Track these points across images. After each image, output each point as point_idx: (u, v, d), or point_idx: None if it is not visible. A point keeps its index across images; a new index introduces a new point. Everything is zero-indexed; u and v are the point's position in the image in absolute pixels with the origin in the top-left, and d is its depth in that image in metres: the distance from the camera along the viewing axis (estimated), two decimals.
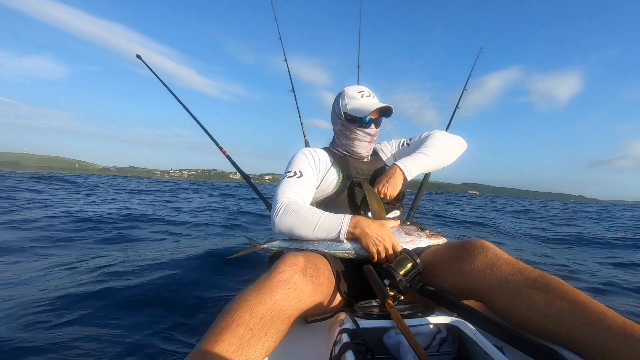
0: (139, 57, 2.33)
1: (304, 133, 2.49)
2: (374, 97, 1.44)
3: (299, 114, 2.61)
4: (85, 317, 1.76)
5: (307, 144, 2.45)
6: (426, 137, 1.49)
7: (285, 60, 2.74)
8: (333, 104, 1.50)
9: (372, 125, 1.40)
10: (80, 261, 2.70)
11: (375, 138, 1.45)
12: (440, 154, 1.42)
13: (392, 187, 1.34)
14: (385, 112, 1.39)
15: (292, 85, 2.66)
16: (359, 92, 1.42)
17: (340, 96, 1.45)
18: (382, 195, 1.34)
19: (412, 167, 1.37)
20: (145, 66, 2.32)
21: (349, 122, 1.41)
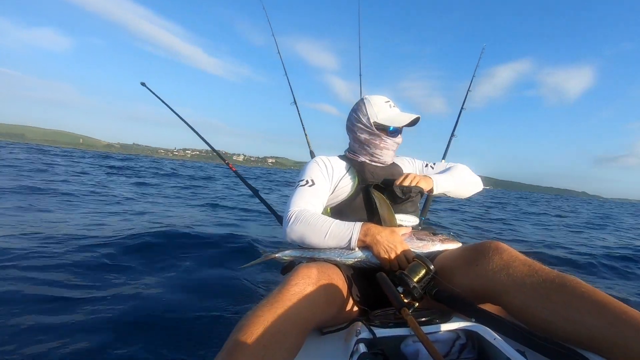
0: (143, 84, 2.40)
1: (308, 144, 2.50)
2: (396, 106, 1.46)
3: (303, 126, 2.61)
4: None
5: (312, 155, 2.45)
6: (453, 167, 1.54)
7: (286, 74, 2.78)
8: (352, 115, 1.48)
9: (399, 135, 1.44)
10: None
11: (399, 145, 1.48)
12: (463, 185, 1.48)
13: (424, 181, 1.31)
14: (413, 122, 1.42)
15: (294, 98, 2.68)
16: (386, 102, 1.44)
17: (364, 105, 1.44)
18: (409, 182, 1.30)
19: (441, 183, 1.38)
20: (152, 93, 2.39)
21: (379, 130, 1.41)
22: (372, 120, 1.41)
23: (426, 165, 1.61)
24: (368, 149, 1.44)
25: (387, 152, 1.44)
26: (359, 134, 1.45)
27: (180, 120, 2.36)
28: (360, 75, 2.69)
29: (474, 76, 2.63)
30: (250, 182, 2.28)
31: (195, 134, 2.37)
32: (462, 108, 2.56)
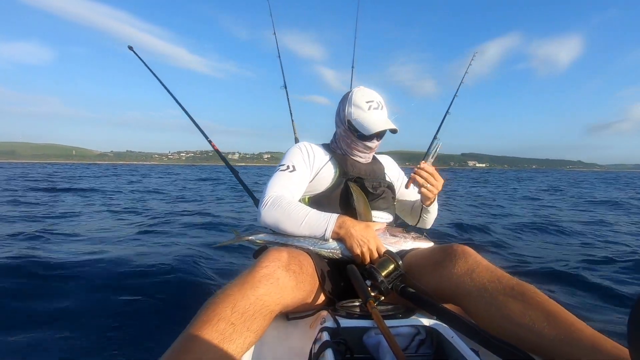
0: (131, 48, 2.28)
1: (294, 131, 2.47)
2: (382, 108, 1.38)
3: (290, 112, 2.57)
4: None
5: (297, 141, 2.42)
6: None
7: (279, 56, 2.71)
8: (339, 104, 1.44)
9: (375, 140, 1.37)
10: None
11: (375, 149, 1.43)
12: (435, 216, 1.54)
13: (439, 183, 1.33)
14: (391, 131, 1.37)
15: (285, 82, 2.63)
16: (367, 103, 1.35)
17: (346, 100, 1.39)
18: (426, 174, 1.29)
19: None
20: (138, 58, 2.26)
21: (350, 131, 1.37)
22: (346, 118, 1.37)
23: (402, 182, 1.58)
24: (343, 144, 1.42)
25: (359, 154, 1.40)
26: (337, 127, 1.45)
27: (168, 92, 2.27)
28: (352, 67, 2.66)
29: (461, 82, 2.65)
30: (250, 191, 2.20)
31: (182, 110, 2.27)
32: (447, 112, 2.57)
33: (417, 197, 1.57)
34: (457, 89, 2.64)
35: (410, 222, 1.60)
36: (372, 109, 1.35)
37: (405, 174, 1.61)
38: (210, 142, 2.28)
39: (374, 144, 1.38)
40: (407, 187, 1.42)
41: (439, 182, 1.33)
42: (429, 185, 1.31)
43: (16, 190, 9.32)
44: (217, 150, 2.29)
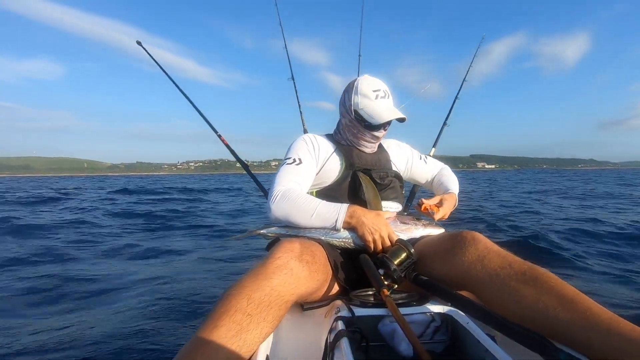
0: (139, 43, 2.27)
1: (303, 122, 2.47)
2: (389, 97, 1.35)
3: (298, 103, 2.58)
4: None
5: (306, 133, 2.42)
6: (447, 172, 1.63)
7: (285, 47, 2.70)
8: (343, 93, 1.41)
9: (382, 129, 1.35)
10: None
11: (382, 138, 1.41)
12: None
13: (451, 201, 1.40)
14: (399, 120, 1.35)
15: (292, 73, 2.63)
16: (374, 92, 1.32)
17: (352, 89, 1.36)
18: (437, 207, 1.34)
19: (457, 195, 1.51)
20: (146, 53, 2.25)
21: (357, 121, 1.34)
22: (352, 108, 1.35)
23: (420, 158, 1.62)
24: (348, 134, 1.40)
25: (365, 144, 1.38)
26: (342, 117, 1.43)
27: (173, 82, 2.27)
28: (359, 55, 2.63)
29: (470, 66, 2.60)
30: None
31: (192, 106, 2.26)
32: (456, 97, 2.55)
33: (430, 175, 1.64)
34: (466, 73, 2.60)
35: (429, 188, 1.67)
36: (379, 98, 1.32)
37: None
38: (219, 136, 2.29)
39: (381, 133, 1.37)
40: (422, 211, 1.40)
41: (446, 207, 1.37)
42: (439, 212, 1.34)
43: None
44: (227, 145, 2.29)
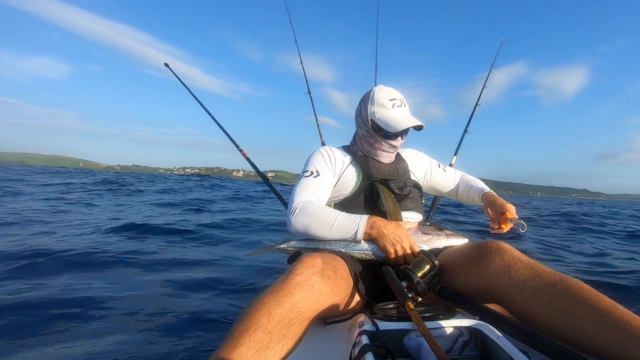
0: (166, 65, 2.40)
1: (320, 134, 2.51)
2: (405, 106, 1.36)
3: (315, 116, 2.64)
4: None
5: (323, 145, 2.45)
6: (470, 177, 1.62)
7: (301, 62, 2.77)
8: (359, 104, 1.42)
9: (399, 138, 1.35)
10: None
11: (399, 148, 1.41)
12: None
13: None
14: (416, 127, 1.34)
15: (308, 87, 2.70)
16: (390, 101, 1.33)
17: (368, 99, 1.37)
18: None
19: None
20: (173, 74, 2.39)
21: (374, 130, 1.34)
22: (369, 118, 1.35)
23: (439, 166, 1.61)
24: (365, 145, 1.39)
25: (382, 153, 1.38)
26: (359, 127, 1.43)
27: (200, 105, 2.37)
28: (375, 66, 2.66)
29: (490, 71, 2.58)
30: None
31: (217, 125, 2.35)
32: (476, 104, 2.53)
33: (451, 182, 1.62)
34: (486, 80, 2.58)
35: (453, 198, 1.65)
36: (395, 107, 1.33)
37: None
38: (241, 150, 2.35)
39: (399, 142, 1.36)
40: (502, 225, 1.30)
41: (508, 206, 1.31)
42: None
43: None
44: (248, 159, 2.35)
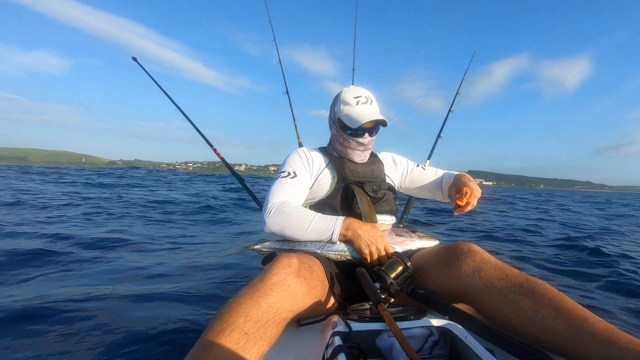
0: (134, 59, 2.32)
1: (298, 136, 2.50)
2: (371, 102, 1.37)
3: (293, 116, 2.62)
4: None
5: (300, 146, 2.44)
6: (450, 172, 1.55)
7: (280, 62, 2.75)
8: (330, 106, 1.45)
9: (366, 135, 1.35)
10: None
11: (370, 146, 1.41)
12: None
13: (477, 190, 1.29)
14: (380, 122, 1.35)
15: (287, 87, 2.68)
16: (355, 98, 1.35)
17: (336, 100, 1.40)
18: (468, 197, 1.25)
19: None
20: (142, 69, 2.31)
21: (342, 129, 1.36)
22: (336, 117, 1.37)
23: (417, 166, 1.60)
24: (337, 144, 1.41)
25: (353, 152, 1.38)
26: (330, 128, 1.45)
27: (171, 100, 2.31)
28: (353, 69, 2.69)
29: (463, 80, 2.67)
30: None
31: (186, 119, 2.30)
32: (449, 110, 2.60)
33: (432, 179, 1.56)
34: (459, 86, 2.67)
35: (440, 198, 1.57)
36: (360, 104, 1.35)
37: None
38: (214, 150, 2.31)
39: (365, 139, 1.36)
40: (457, 202, 1.28)
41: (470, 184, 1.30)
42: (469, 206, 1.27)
43: None
44: (222, 159, 2.32)
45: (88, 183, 11.89)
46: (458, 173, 1.48)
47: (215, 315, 0.79)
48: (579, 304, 0.80)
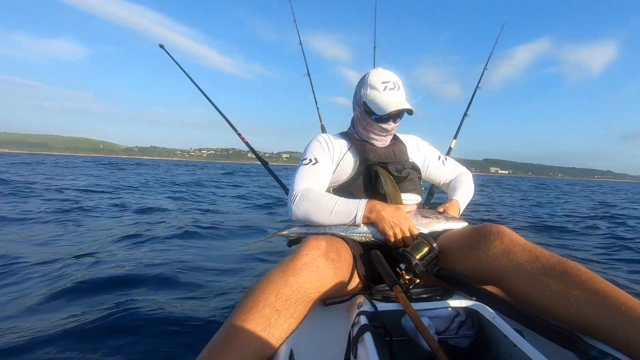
0: (162, 46, 2.35)
1: (320, 118, 2.48)
2: (399, 89, 1.34)
3: (315, 99, 2.59)
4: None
5: (323, 129, 2.43)
6: (465, 177, 1.59)
7: (300, 43, 2.71)
8: (356, 88, 1.42)
9: (390, 122, 1.33)
10: None
11: (393, 132, 1.40)
12: (469, 198, 1.55)
13: (453, 211, 1.36)
14: (406, 111, 1.33)
15: (307, 69, 2.64)
16: (383, 83, 1.32)
17: (362, 82, 1.37)
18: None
19: (462, 207, 1.48)
20: (169, 56, 2.33)
21: (366, 113, 1.34)
22: (362, 100, 1.35)
23: (439, 159, 1.58)
24: (360, 127, 1.40)
25: (375, 137, 1.38)
26: (354, 110, 1.44)
27: (197, 88, 2.33)
28: (374, 47, 2.60)
29: (491, 53, 2.53)
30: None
31: (212, 106, 2.32)
32: (477, 87, 2.49)
33: (446, 177, 1.61)
34: (487, 61, 2.55)
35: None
36: (387, 90, 1.31)
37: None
38: (240, 135, 2.33)
39: (390, 125, 1.34)
40: None
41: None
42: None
43: None
44: (247, 144, 2.34)
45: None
46: (455, 194, 1.49)
47: (246, 291, 0.83)
48: (615, 285, 0.77)
